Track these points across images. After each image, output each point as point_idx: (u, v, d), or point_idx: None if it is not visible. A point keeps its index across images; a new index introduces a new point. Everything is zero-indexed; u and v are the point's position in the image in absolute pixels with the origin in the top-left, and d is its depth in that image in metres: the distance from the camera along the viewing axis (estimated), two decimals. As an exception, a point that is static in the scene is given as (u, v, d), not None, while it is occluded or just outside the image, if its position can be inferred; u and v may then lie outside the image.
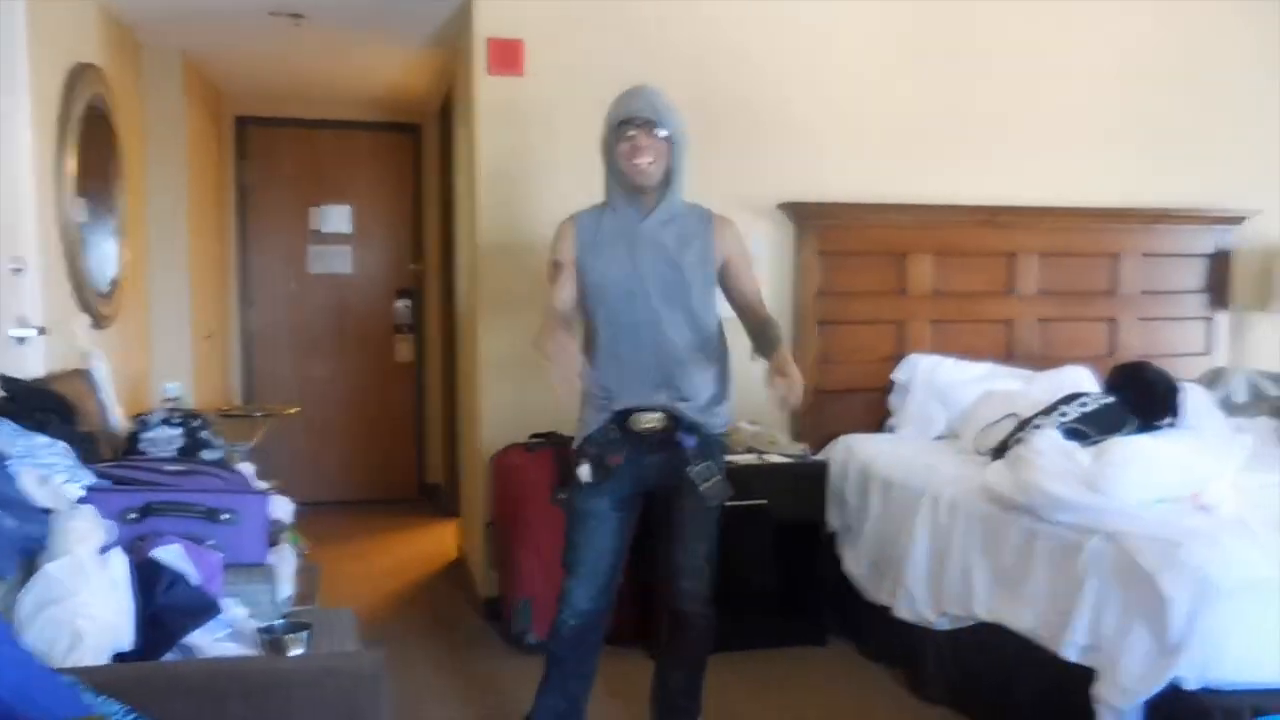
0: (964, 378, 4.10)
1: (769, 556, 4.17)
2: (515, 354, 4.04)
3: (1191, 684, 2.44)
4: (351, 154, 6.52)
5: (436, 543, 5.55)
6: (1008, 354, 4.43)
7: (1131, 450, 2.87)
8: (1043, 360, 4.35)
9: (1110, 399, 3.48)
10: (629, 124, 2.63)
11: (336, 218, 6.46)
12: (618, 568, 2.81)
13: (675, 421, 2.70)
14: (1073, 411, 3.38)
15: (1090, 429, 3.25)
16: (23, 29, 2.97)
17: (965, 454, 3.71)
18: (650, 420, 2.70)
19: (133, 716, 1.37)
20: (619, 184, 2.71)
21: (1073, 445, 3.03)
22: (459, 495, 5.29)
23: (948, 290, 4.42)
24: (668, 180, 2.69)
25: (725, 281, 2.78)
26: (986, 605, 3.09)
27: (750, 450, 3.91)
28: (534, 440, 3.88)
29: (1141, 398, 3.49)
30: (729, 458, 3.74)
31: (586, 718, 2.91)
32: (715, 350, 2.77)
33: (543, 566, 3.59)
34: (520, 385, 4.03)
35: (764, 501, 3.73)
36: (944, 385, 4.09)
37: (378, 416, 6.65)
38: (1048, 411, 3.45)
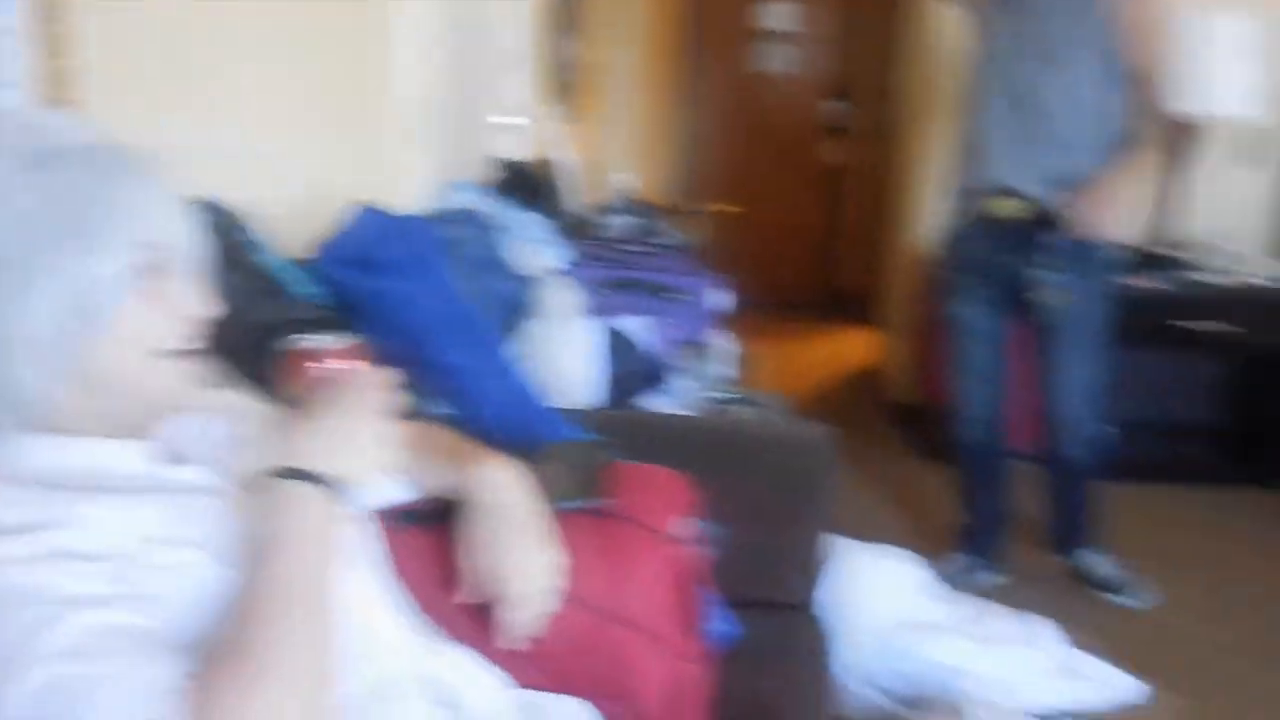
0: None
1: (1231, 392, 3.86)
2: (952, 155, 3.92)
3: None
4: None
5: (850, 348, 5.63)
6: None
7: None
8: None
9: None
10: None
11: (781, 15, 6.43)
12: (1004, 370, 2.69)
13: (1043, 213, 2.43)
14: None
15: None
16: None
17: None
18: (1008, 207, 2.44)
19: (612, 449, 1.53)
20: None
21: None
22: (878, 303, 5.31)
23: None
24: None
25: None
26: None
27: (1216, 268, 3.53)
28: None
29: None
30: (1194, 274, 3.40)
31: (1007, 528, 2.91)
32: (1113, 130, 2.40)
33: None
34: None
35: (1242, 330, 3.40)
36: None
37: (798, 219, 6.72)
38: None
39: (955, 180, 2.62)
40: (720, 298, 3.29)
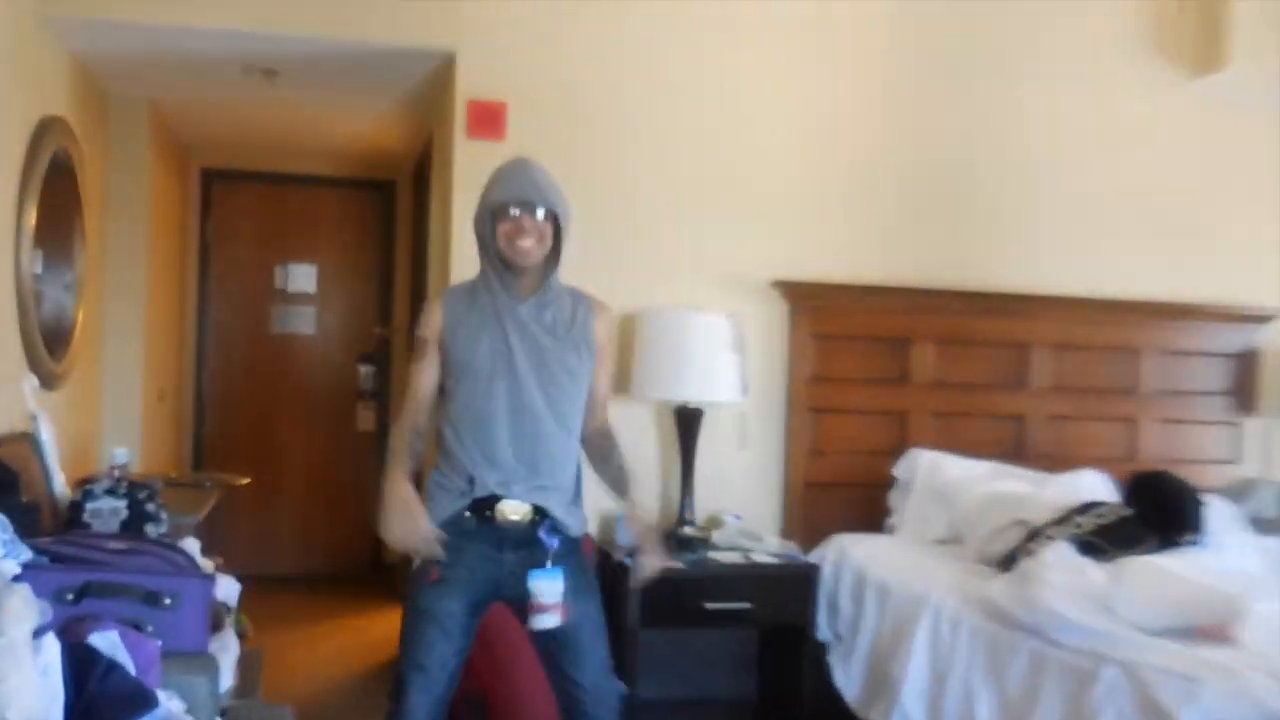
0: (968, 476, 4.07)
1: (750, 665, 4.18)
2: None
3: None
4: (321, 211, 6.61)
5: (388, 626, 5.47)
6: (1017, 452, 4.42)
7: (1150, 571, 2.87)
8: (1055, 461, 4.32)
9: (1128, 511, 3.48)
10: (511, 204, 2.63)
11: (301, 277, 6.50)
12: (458, 675, 2.71)
13: (541, 517, 2.68)
14: (1087, 523, 3.38)
15: (1106, 543, 3.24)
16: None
17: (969, 562, 3.69)
18: (518, 512, 2.65)
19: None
20: (495, 264, 2.70)
21: (1086, 561, 3.02)
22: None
23: (953, 381, 4.43)
24: (547, 262, 2.70)
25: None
26: (991, 732, 3.05)
27: (734, 548, 3.88)
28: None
29: (1161, 511, 3.48)
30: (715, 554, 3.76)
31: None
32: (575, 448, 2.77)
33: (497, 662, 3.54)
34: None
35: (748, 605, 3.70)
36: (946, 484, 4.06)
37: (334, 488, 6.62)
38: (1060, 521, 3.44)
39: (448, 479, 2.71)
40: (226, 588, 3.07)
